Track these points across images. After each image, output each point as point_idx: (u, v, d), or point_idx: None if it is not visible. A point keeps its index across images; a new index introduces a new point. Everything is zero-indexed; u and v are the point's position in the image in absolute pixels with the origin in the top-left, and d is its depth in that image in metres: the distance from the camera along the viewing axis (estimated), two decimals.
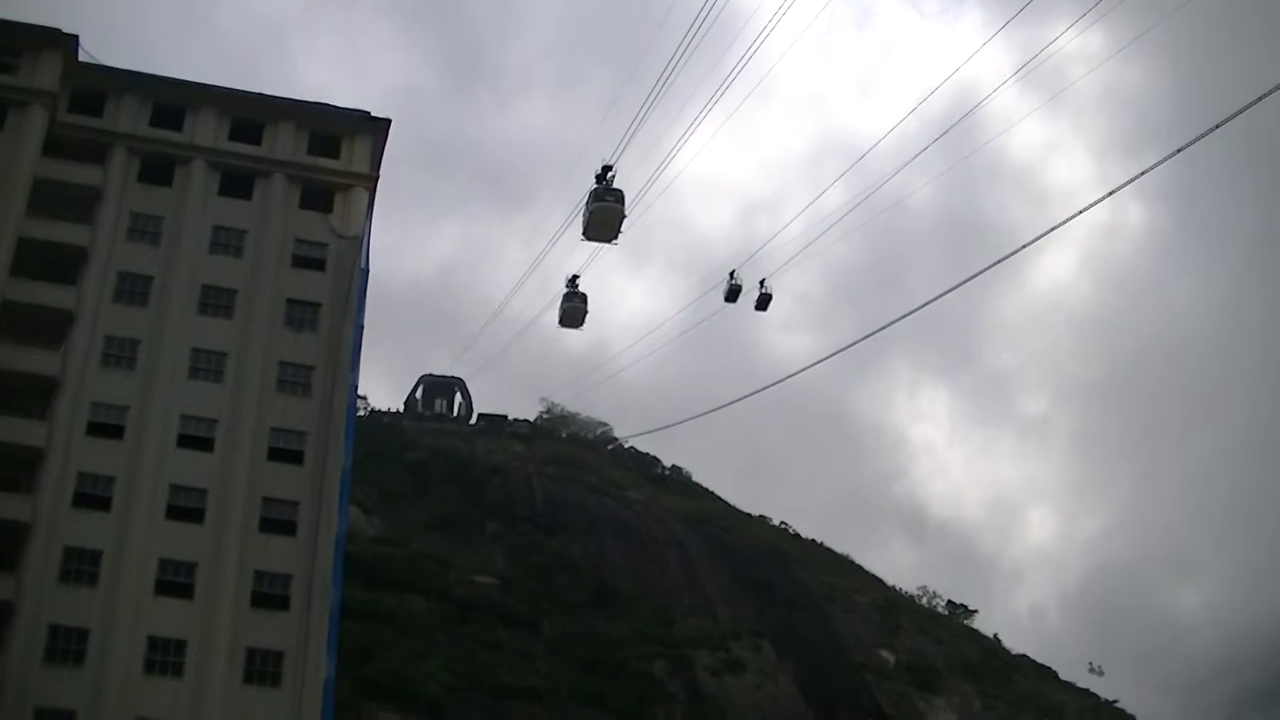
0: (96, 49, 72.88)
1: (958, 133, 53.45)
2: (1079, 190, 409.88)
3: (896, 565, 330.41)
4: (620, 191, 60.48)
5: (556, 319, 70.69)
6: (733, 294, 68.25)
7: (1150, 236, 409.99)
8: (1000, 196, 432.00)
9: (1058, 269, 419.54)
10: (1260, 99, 29.22)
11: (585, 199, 60.97)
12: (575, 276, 68.71)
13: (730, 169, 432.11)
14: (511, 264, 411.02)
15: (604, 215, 60.41)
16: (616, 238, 62.02)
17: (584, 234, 62.09)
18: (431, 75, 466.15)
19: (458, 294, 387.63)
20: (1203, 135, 31.08)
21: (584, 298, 69.71)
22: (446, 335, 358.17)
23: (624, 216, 60.68)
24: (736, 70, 55.09)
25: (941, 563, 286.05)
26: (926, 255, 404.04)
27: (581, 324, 70.61)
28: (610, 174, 60.34)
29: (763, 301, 67.20)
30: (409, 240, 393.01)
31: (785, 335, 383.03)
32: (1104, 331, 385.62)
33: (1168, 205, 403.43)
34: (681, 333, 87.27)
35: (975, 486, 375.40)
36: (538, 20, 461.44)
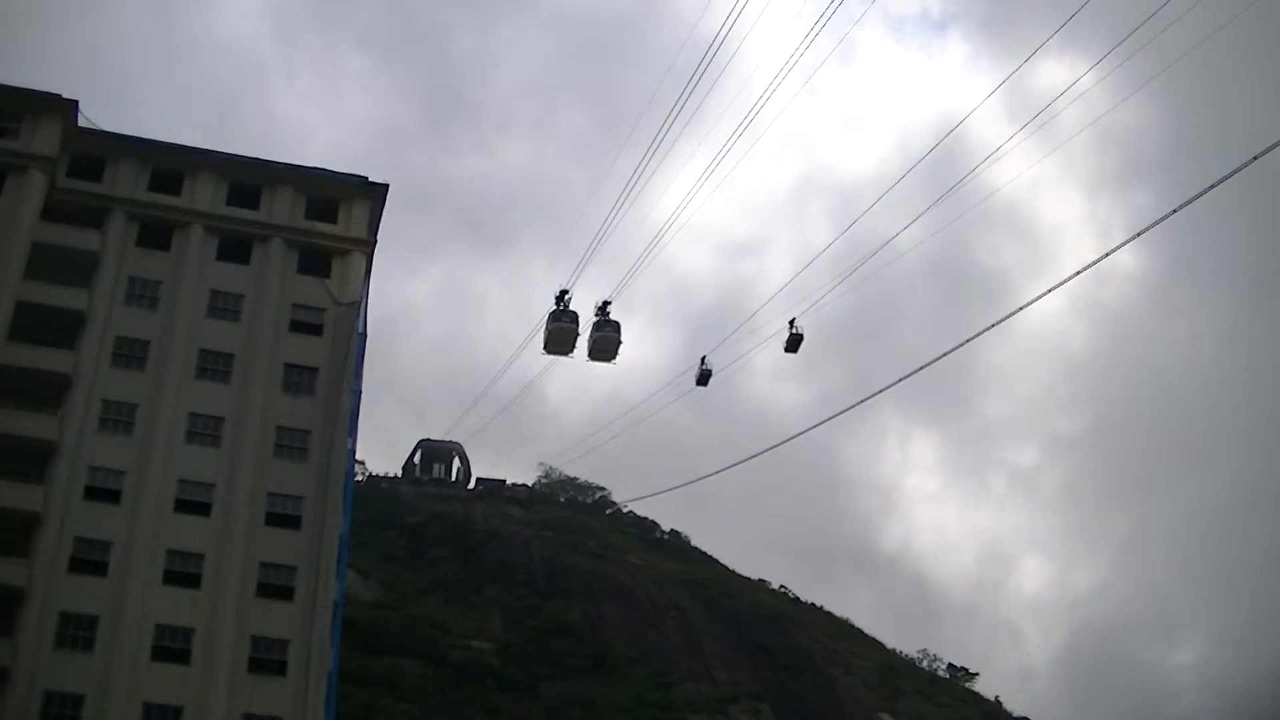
0: (79, 95, 72.74)
1: (950, 175, 53.52)
2: (1070, 229, 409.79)
3: (856, 606, 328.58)
4: (575, 314, 65.91)
5: (586, 352, 67.22)
6: (704, 378, 71.01)
7: (1142, 279, 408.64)
8: (989, 235, 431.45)
9: (1047, 311, 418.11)
10: (1262, 154, 29.24)
11: (545, 318, 66.18)
12: (606, 303, 66.40)
13: (715, 211, 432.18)
14: (496, 308, 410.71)
15: (560, 334, 66.06)
16: (571, 352, 66.83)
17: (544, 349, 67.06)
18: (411, 113, 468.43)
19: (444, 347, 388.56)
20: (1201, 194, 31.10)
21: (616, 326, 66.66)
22: (429, 392, 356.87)
23: (578, 334, 65.98)
24: (735, 135, 55.31)
25: (908, 612, 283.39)
26: (915, 297, 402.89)
27: (615, 356, 67.29)
28: (567, 297, 65.89)
29: (793, 343, 65.79)
30: (395, 288, 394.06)
31: (776, 384, 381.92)
32: (1095, 376, 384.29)
33: (1160, 248, 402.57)
34: (653, 413, 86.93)
35: (963, 541, 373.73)
36: (518, 59, 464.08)
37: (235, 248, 75.74)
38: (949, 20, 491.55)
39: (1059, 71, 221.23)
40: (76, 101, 72.73)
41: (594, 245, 64.41)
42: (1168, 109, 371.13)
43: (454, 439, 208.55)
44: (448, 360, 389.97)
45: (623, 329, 66.12)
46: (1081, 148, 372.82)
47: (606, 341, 66.01)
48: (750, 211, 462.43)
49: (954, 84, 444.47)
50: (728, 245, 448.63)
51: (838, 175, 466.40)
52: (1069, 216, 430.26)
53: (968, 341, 48.04)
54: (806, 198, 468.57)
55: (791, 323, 65.31)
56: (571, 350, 66.79)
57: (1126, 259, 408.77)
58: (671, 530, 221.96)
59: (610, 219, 61.55)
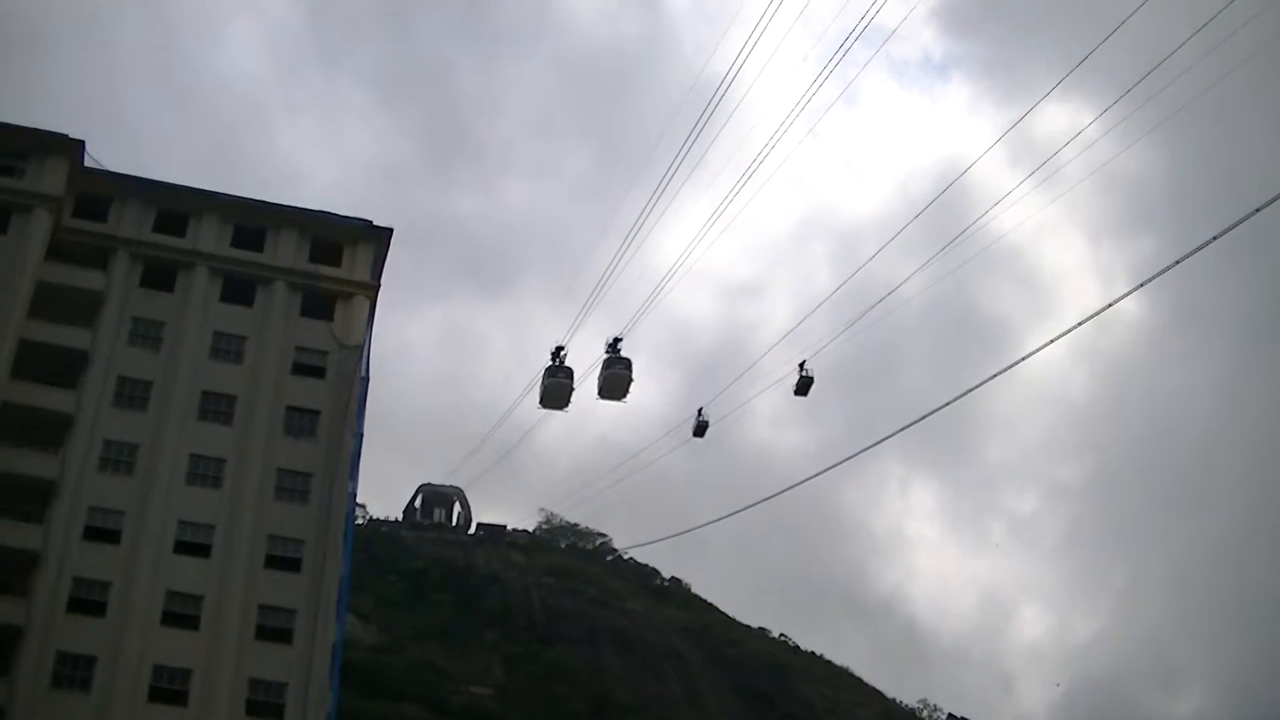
0: (81, 130, 73.01)
1: (952, 219, 53.72)
2: (1072, 275, 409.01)
3: (853, 652, 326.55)
4: (570, 369, 66.52)
5: (596, 390, 66.14)
6: (700, 430, 71.63)
7: (1144, 327, 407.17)
8: (991, 280, 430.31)
9: (1048, 358, 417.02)
10: (1265, 206, 29.26)
11: (542, 373, 66.97)
12: (617, 339, 65.45)
13: (716, 253, 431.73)
14: (497, 350, 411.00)
15: (556, 389, 66.63)
16: (567, 407, 67.71)
17: (540, 403, 67.83)
18: (413, 152, 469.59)
19: (444, 389, 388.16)
20: (1204, 246, 31.13)
21: (627, 364, 65.37)
22: (428, 435, 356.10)
23: (573, 389, 66.67)
24: (741, 182, 55.44)
25: (906, 659, 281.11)
26: (916, 341, 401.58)
27: (626, 394, 66.06)
28: (563, 353, 66.48)
29: (803, 385, 65.44)
30: (393, 329, 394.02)
31: (776, 428, 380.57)
32: (1095, 424, 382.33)
33: (1162, 295, 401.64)
34: (652, 462, 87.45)
35: (962, 588, 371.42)
36: (521, 99, 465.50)
37: (239, 290, 75.80)
38: (951, 64, 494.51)
39: (1061, 116, 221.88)
40: (83, 142, 73.13)
41: (597, 292, 64.52)
42: (1171, 156, 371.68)
43: (454, 483, 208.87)
44: (447, 403, 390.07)
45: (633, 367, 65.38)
46: (1084, 194, 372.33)
47: (617, 379, 65.20)
48: (751, 253, 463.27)
49: (956, 127, 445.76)
50: (729, 288, 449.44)
51: (840, 218, 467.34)
52: (1071, 262, 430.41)
53: (970, 391, 48.02)
54: (808, 240, 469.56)
55: (802, 365, 65.13)
56: (567, 405, 67.32)
57: (1128, 306, 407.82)
58: (672, 578, 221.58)
59: (614, 264, 61.63)
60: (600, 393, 65.48)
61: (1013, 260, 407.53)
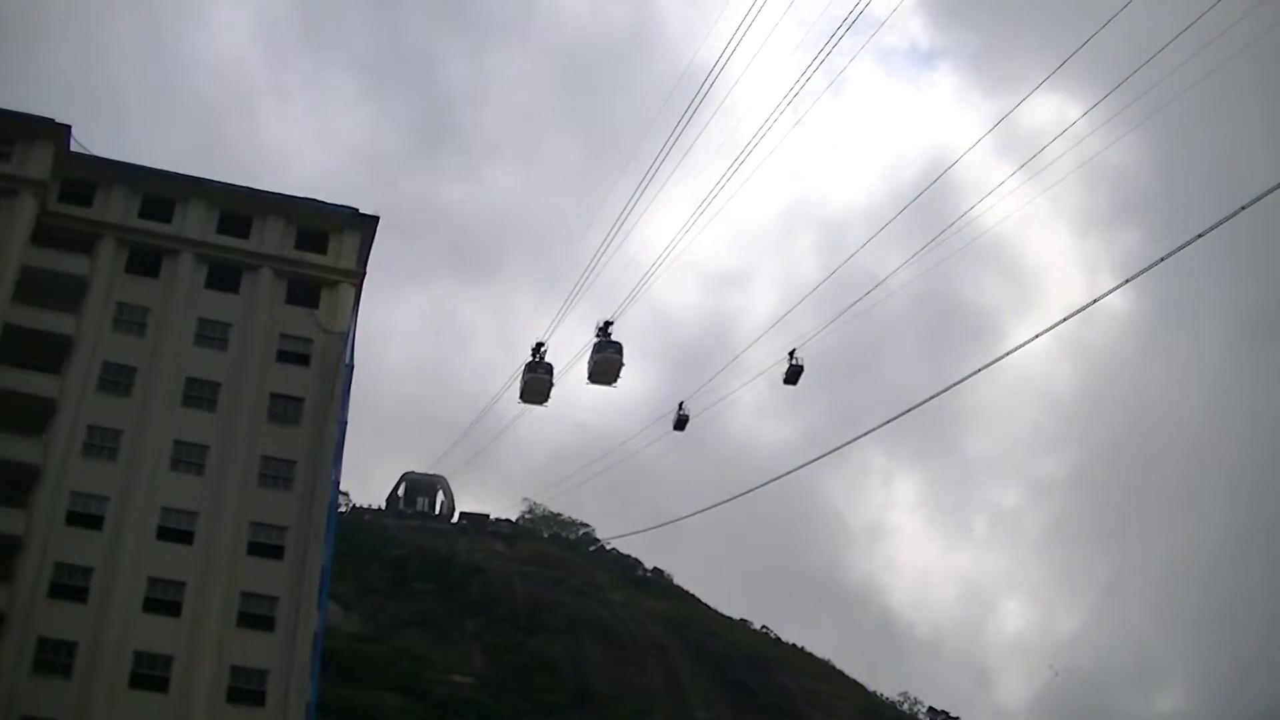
0: (67, 115, 72.76)
1: (938, 209, 53.75)
2: (1057, 267, 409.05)
3: (830, 644, 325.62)
4: (550, 365, 67.34)
5: (586, 374, 65.14)
6: (681, 423, 71.41)
7: (1130, 320, 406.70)
8: (975, 271, 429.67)
9: (1033, 351, 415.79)
10: (1250, 204, 29.31)
11: (522, 368, 67.83)
12: (608, 323, 64.36)
13: (700, 242, 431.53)
14: (481, 337, 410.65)
15: (536, 385, 67.49)
16: (546, 402, 68.59)
17: (520, 398, 68.76)
18: (399, 139, 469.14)
19: (426, 377, 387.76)
20: (1192, 241, 31.18)
21: (618, 348, 64.36)
22: (409, 423, 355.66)
23: (552, 385, 67.47)
24: (728, 174, 55.46)
25: (884, 651, 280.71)
26: (899, 332, 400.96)
27: (616, 378, 65.10)
28: (543, 349, 67.13)
29: (792, 375, 64.72)
30: (376, 315, 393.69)
31: (758, 418, 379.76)
32: (1080, 418, 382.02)
33: (1148, 289, 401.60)
34: (632, 454, 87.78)
35: (944, 582, 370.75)
36: (508, 87, 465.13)
37: (224, 276, 75.55)
38: (937, 53, 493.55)
39: (1047, 108, 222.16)
40: (69, 126, 72.79)
41: (583, 280, 64.37)
42: (1157, 149, 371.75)
43: (437, 472, 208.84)
44: (431, 391, 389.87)
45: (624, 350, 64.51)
46: (1070, 186, 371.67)
47: (608, 364, 64.19)
48: (736, 242, 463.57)
49: (942, 116, 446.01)
50: (712, 277, 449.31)
51: (824, 207, 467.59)
52: (1057, 255, 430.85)
53: (954, 386, 48.01)
54: (793, 229, 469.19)
55: (792, 354, 64.69)
56: (546, 400, 67.99)
57: (1114, 300, 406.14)
58: (654, 568, 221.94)
59: (600, 253, 61.58)
60: (590, 377, 64.43)
61: (999, 252, 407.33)
